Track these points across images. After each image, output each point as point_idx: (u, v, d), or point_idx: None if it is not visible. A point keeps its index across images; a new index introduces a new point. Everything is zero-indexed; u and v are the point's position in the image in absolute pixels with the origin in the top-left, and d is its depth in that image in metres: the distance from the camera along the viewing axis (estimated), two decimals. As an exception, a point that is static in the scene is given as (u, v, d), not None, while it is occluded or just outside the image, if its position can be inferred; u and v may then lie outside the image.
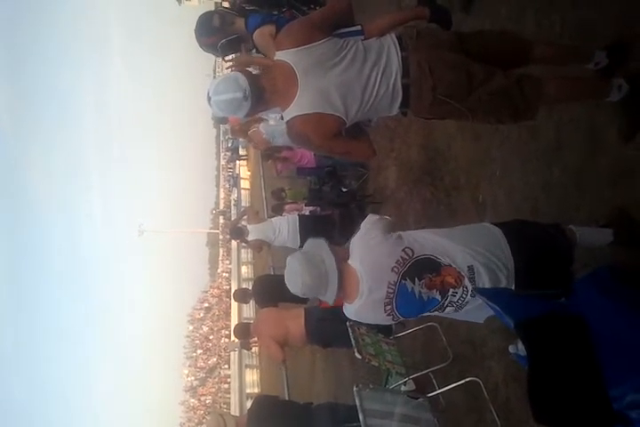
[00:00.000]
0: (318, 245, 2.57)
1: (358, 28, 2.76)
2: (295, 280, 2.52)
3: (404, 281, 2.44)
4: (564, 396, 2.05)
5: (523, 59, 2.89)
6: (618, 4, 3.07)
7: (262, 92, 2.64)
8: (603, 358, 2.08)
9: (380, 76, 2.59)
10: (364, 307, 2.52)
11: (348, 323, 4.52)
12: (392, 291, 2.45)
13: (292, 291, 2.57)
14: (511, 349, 2.98)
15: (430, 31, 2.81)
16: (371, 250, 2.51)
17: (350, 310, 2.58)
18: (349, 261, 2.52)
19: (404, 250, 2.46)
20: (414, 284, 2.44)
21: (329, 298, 2.52)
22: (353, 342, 4.34)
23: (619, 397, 2.06)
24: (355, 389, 3.67)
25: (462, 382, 3.97)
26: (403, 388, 4.52)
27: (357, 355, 4.22)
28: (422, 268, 2.45)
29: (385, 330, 5.01)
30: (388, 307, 2.48)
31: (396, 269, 2.44)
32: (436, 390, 4.17)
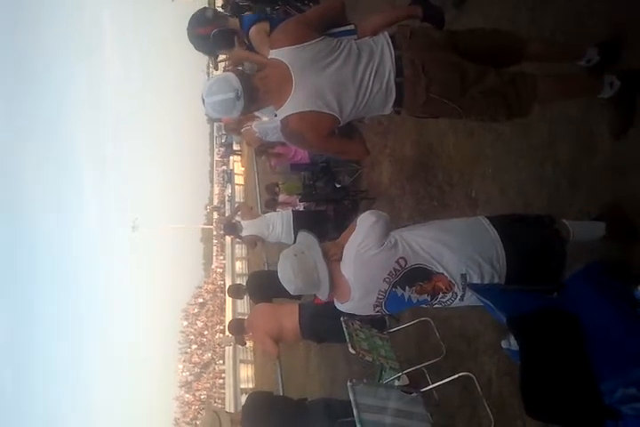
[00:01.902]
0: (310, 247, 2.59)
1: (351, 27, 2.76)
2: (288, 285, 2.59)
3: (394, 289, 2.49)
4: (556, 390, 2.07)
5: (516, 57, 2.89)
6: (610, 2, 3.09)
7: (255, 91, 2.63)
8: (594, 352, 2.11)
9: (373, 75, 2.59)
10: (354, 309, 2.63)
11: (341, 318, 4.54)
12: (382, 297, 2.51)
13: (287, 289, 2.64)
14: (504, 344, 3.01)
15: (424, 30, 2.81)
16: (364, 264, 2.50)
17: (341, 307, 2.68)
18: (342, 270, 2.54)
19: (397, 261, 2.48)
20: (405, 291, 2.50)
21: (322, 296, 2.60)
22: (347, 337, 4.35)
23: (610, 391, 2.08)
24: (349, 384, 3.69)
25: (455, 376, 3.99)
26: (396, 383, 4.53)
27: (351, 350, 4.23)
28: (414, 277, 2.48)
29: (379, 325, 5.03)
30: (378, 308, 2.57)
31: (387, 279, 2.48)
32: (429, 385, 4.18)
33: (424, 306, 2.62)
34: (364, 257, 2.50)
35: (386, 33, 2.73)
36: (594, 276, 2.52)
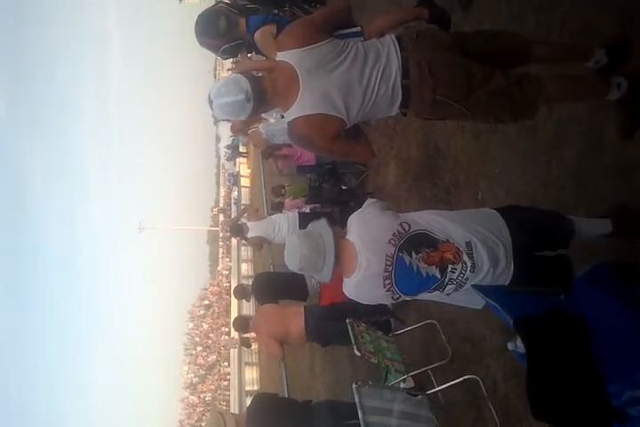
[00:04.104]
0: (317, 224, 2.62)
1: (358, 29, 2.76)
2: (294, 254, 2.54)
3: (400, 254, 2.47)
4: (563, 392, 2.06)
5: (522, 58, 2.89)
6: (617, 3, 3.07)
7: (264, 93, 2.63)
8: (601, 355, 2.09)
9: (379, 76, 2.59)
10: (362, 281, 2.54)
11: (347, 320, 4.53)
12: (390, 263, 2.48)
13: (290, 267, 2.60)
14: (510, 346, 3.01)
15: (430, 32, 2.81)
16: (368, 223, 2.59)
17: (350, 286, 2.60)
18: (347, 236, 2.58)
19: (400, 224, 2.52)
20: (411, 257, 2.46)
21: (326, 273, 2.54)
22: (352, 339, 4.34)
23: (617, 393, 2.07)
24: (354, 386, 3.68)
25: (461, 379, 3.98)
26: (402, 385, 4.52)
27: (357, 352, 4.22)
28: (419, 242, 2.48)
29: (384, 327, 5.02)
30: (388, 281, 2.50)
31: (392, 241, 2.48)
32: (434, 388, 4.18)
33: (437, 291, 2.54)
34: (367, 218, 2.62)
35: (392, 35, 2.73)
36: (600, 278, 2.52)
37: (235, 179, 32.44)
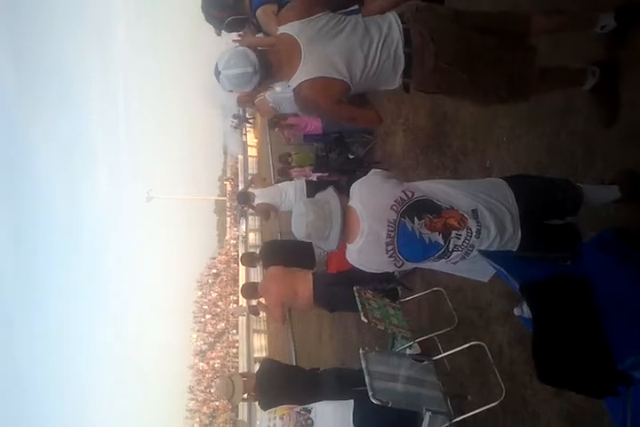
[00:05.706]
0: (325, 192, 2.66)
1: (356, 7, 2.91)
2: (300, 220, 2.57)
3: (403, 219, 2.47)
4: (568, 356, 2.08)
5: (521, 36, 2.89)
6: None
7: (270, 66, 2.74)
8: (607, 320, 2.11)
9: (381, 43, 2.66)
10: (365, 246, 2.55)
11: (354, 287, 4.56)
12: (392, 229, 2.48)
13: (296, 234, 2.62)
14: (516, 311, 3.02)
15: (430, 6, 2.85)
16: (370, 190, 2.61)
17: (352, 252, 2.62)
18: (350, 203, 2.61)
19: (403, 191, 2.54)
20: (414, 223, 2.47)
21: (332, 240, 2.56)
22: (359, 306, 4.37)
23: (622, 358, 2.09)
24: (361, 352, 3.72)
25: (467, 345, 4.01)
26: (408, 351, 4.57)
27: (364, 319, 4.25)
28: (422, 208, 2.49)
29: (391, 294, 5.05)
30: (390, 247, 2.51)
31: (395, 207, 2.49)
32: (440, 354, 4.21)
33: (443, 259, 2.54)
34: (370, 185, 2.66)
35: (393, 11, 2.81)
36: (607, 243, 2.52)
37: (242, 148, 32.31)
